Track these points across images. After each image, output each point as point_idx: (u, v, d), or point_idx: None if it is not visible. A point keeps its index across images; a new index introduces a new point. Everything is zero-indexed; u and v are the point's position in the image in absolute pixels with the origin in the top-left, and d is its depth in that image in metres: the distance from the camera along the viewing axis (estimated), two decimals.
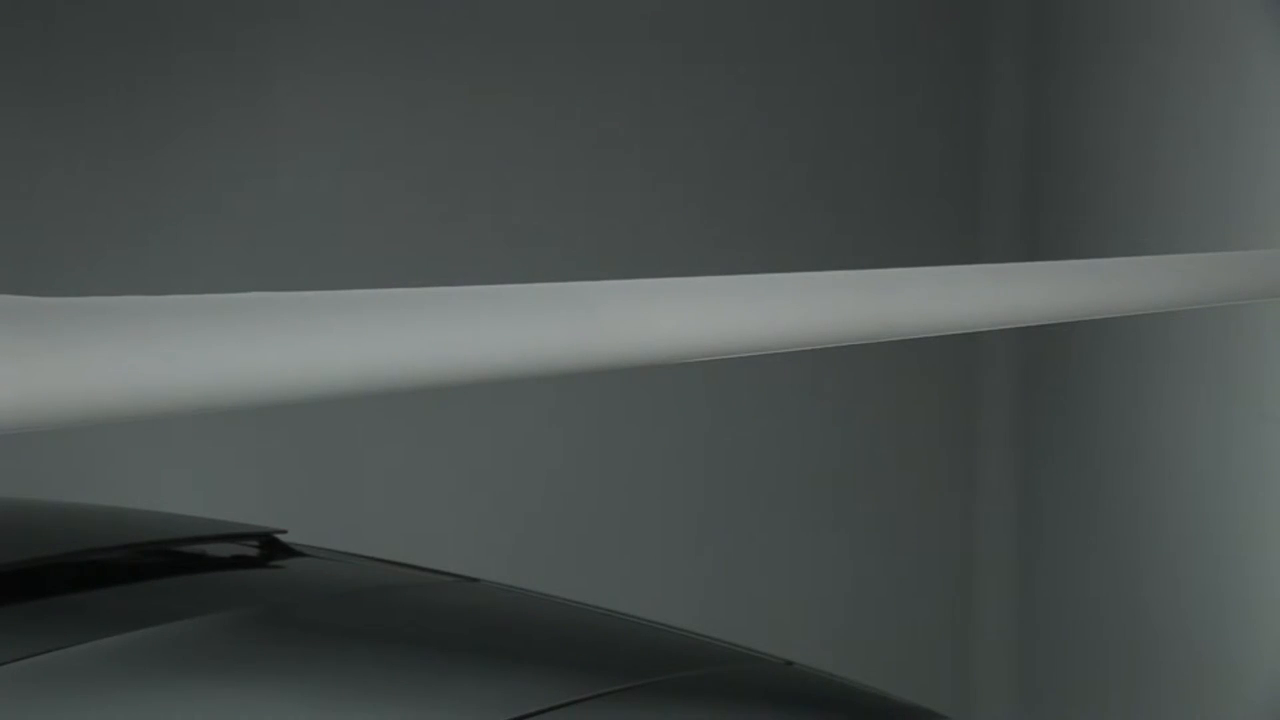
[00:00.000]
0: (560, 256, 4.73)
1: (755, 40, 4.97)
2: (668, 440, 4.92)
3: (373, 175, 4.62)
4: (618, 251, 4.78)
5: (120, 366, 1.29)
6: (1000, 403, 5.15)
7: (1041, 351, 5.01)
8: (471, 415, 4.69)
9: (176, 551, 2.41)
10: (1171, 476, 4.56)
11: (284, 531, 2.52)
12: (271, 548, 2.48)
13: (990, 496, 5.17)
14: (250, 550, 2.47)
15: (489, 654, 2.21)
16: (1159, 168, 4.60)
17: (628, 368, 1.67)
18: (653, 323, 1.65)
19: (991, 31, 5.11)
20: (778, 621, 4.87)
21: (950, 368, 5.15)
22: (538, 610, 2.43)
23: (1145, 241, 4.56)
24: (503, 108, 4.71)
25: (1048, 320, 2.11)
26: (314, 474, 4.58)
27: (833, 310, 1.83)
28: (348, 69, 4.59)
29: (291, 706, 1.90)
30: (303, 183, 4.55)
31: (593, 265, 4.70)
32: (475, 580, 2.49)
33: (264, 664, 2.01)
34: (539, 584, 2.64)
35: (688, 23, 4.89)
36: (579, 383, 4.61)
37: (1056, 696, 4.99)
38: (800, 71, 5.01)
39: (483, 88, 4.69)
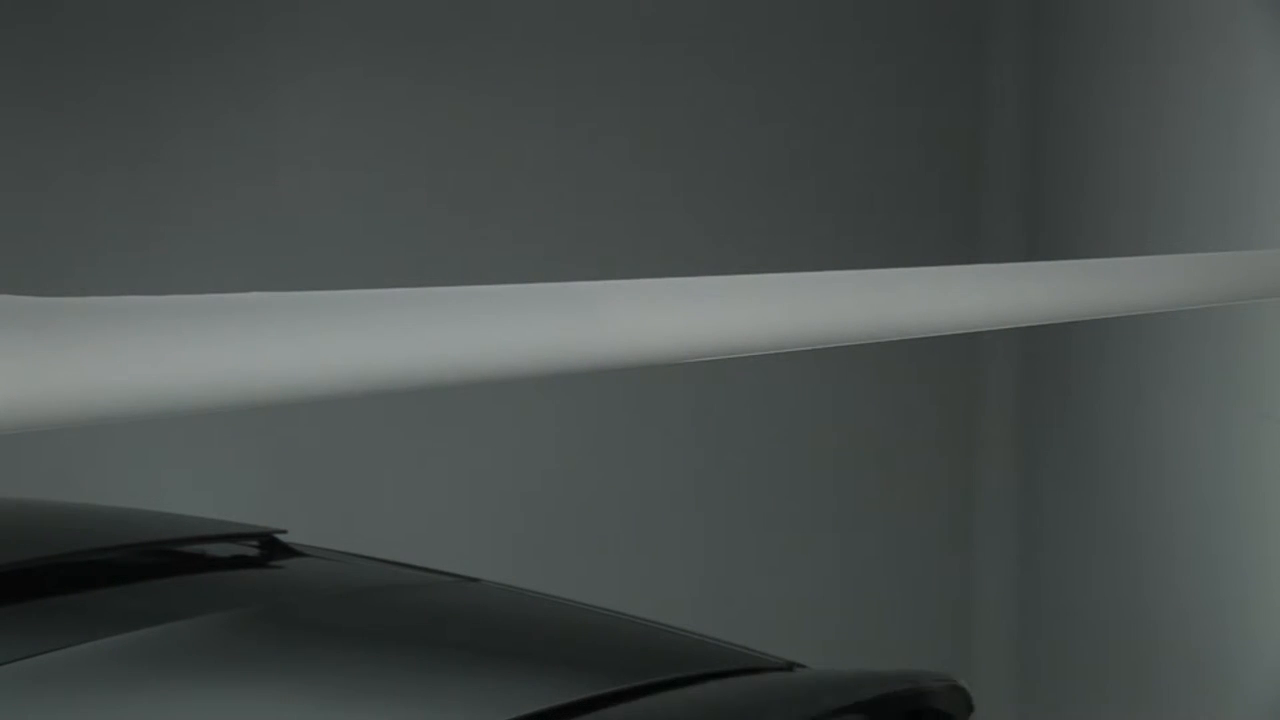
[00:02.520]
0: (560, 256, 4.73)
1: (755, 42, 4.97)
2: (668, 440, 4.92)
3: (373, 176, 4.62)
4: (618, 251, 4.78)
5: (120, 366, 1.29)
6: (1000, 403, 5.15)
7: (1041, 351, 5.01)
8: (471, 415, 4.69)
9: (176, 551, 2.41)
10: (1171, 476, 4.56)
11: (284, 531, 2.51)
12: (271, 548, 2.48)
13: (990, 496, 5.17)
14: (250, 550, 2.47)
15: (489, 654, 2.20)
16: (1159, 168, 4.60)
17: (628, 368, 1.66)
18: (653, 323, 1.65)
19: (991, 32, 5.11)
20: (777, 621, 4.87)
21: (950, 368, 5.15)
22: (538, 610, 2.43)
23: (1145, 241, 4.56)
24: (503, 109, 4.71)
25: (1048, 320, 2.11)
26: (314, 474, 4.58)
27: (833, 310, 1.83)
28: (348, 70, 4.59)
29: (291, 706, 1.89)
30: (303, 183, 4.55)
31: (593, 265, 4.70)
32: (475, 580, 2.49)
33: (264, 664, 2.01)
34: (539, 584, 2.64)
35: (686, 24, 4.89)
36: (579, 383, 4.61)
37: (1056, 697, 4.99)
38: (800, 73, 5.01)
39: (483, 89, 4.69)
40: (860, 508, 5.13)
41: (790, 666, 2.27)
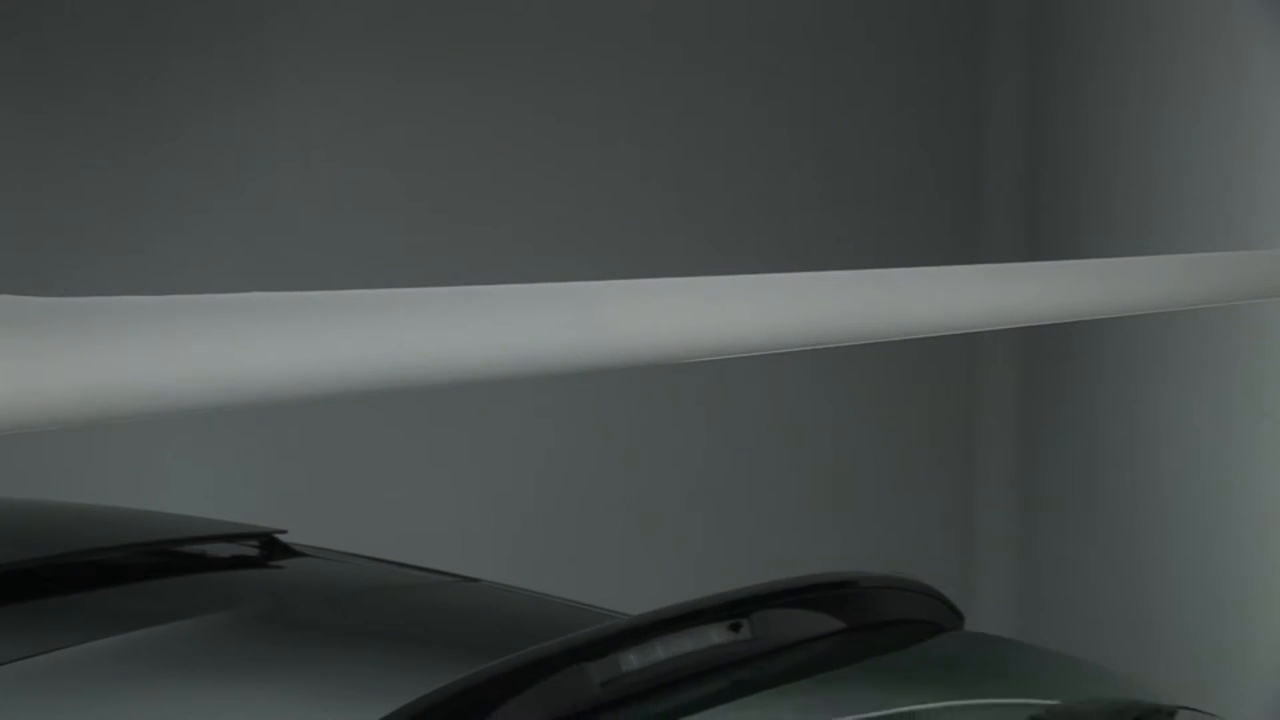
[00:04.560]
0: (560, 256, 4.73)
1: (756, 43, 4.96)
2: (666, 440, 4.92)
3: (373, 176, 4.62)
4: (618, 251, 4.78)
5: (120, 366, 1.28)
6: (1000, 401, 5.15)
7: (1041, 351, 5.01)
8: (470, 415, 4.69)
9: (176, 551, 2.41)
10: (1171, 476, 4.56)
11: (284, 531, 2.52)
12: (271, 548, 2.48)
13: (990, 495, 5.17)
14: (250, 550, 2.47)
15: (489, 654, 2.20)
16: (1159, 168, 4.59)
17: (627, 368, 1.66)
18: (652, 323, 1.64)
19: (991, 32, 5.11)
20: None
21: (950, 368, 5.15)
22: (537, 610, 2.43)
23: (1146, 241, 4.56)
24: (504, 109, 4.71)
25: (1048, 320, 2.11)
26: (314, 474, 4.58)
27: (833, 310, 1.82)
28: (348, 70, 4.59)
29: (291, 706, 1.89)
30: (303, 183, 4.55)
31: (593, 265, 4.70)
32: (475, 580, 2.49)
33: (264, 664, 2.01)
34: (539, 584, 2.64)
35: (687, 24, 4.89)
36: (578, 383, 4.61)
37: None
38: (801, 73, 5.01)
39: (484, 89, 4.69)
40: (860, 506, 5.13)
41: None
